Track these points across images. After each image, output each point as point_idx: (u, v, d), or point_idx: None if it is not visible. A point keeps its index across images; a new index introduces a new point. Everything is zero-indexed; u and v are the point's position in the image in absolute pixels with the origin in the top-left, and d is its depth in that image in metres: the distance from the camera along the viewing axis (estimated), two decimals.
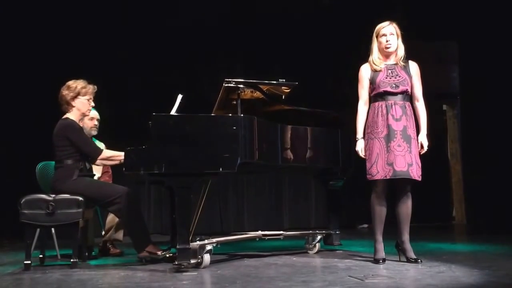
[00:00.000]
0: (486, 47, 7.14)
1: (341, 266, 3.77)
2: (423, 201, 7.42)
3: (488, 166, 7.13)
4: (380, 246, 3.87)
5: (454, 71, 8.32)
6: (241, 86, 4.01)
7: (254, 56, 7.28)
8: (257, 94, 4.24)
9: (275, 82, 4.24)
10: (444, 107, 8.78)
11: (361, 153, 3.95)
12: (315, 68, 7.41)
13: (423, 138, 3.88)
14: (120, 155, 4.08)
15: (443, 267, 3.59)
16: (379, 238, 3.88)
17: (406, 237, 3.86)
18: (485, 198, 7.18)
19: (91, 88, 4.27)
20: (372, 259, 3.87)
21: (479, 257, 4.13)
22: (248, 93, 4.22)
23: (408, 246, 3.84)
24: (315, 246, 4.68)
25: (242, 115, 3.82)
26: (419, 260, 3.76)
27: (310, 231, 4.88)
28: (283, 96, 4.49)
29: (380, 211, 3.87)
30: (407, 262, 3.79)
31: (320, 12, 7.47)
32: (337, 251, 4.71)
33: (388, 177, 3.77)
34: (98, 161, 4.19)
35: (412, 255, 3.81)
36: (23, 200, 3.89)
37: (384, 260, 3.81)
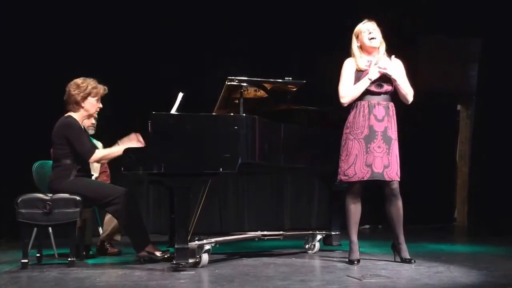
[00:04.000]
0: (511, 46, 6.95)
1: (339, 266, 3.76)
2: (425, 202, 7.40)
3: (495, 169, 7.03)
4: (356, 247, 3.85)
5: (473, 70, 7.84)
6: (244, 84, 3.93)
7: (258, 54, 7.23)
8: (261, 93, 4.16)
9: (280, 80, 4.11)
10: (458, 107, 8.43)
11: (376, 69, 3.73)
12: (320, 66, 7.32)
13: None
14: (111, 153, 4.00)
15: (441, 268, 3.59)
16: (354, 239, 3.86)
17: (401, 238, 3.85)
18: (489, 200, 7.11)
19: (102, 89, 4.15)
20: (347, 260, 3.84)
21: (478, 258, 4.12)
22: (251, 92, 4.14)
23: (404, 246, 3.83)
24: (314, 246, 4.67)
25: (244, 114, 3.77)
26: (413, 260, 3.75)
27: (310, 232, 4.85)
28: (288, 96, 4.35)
29: (356, 212, 3.85)
30: (401, 262, 3.78)
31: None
32: (337, 251, 4.69)
33: (365, 179, 3.73)
34: (90, 161, 4.11)
35: (406, 255, 3.80)
36: (19, 199, 3.86)
37: (358, 261, 3.79)
